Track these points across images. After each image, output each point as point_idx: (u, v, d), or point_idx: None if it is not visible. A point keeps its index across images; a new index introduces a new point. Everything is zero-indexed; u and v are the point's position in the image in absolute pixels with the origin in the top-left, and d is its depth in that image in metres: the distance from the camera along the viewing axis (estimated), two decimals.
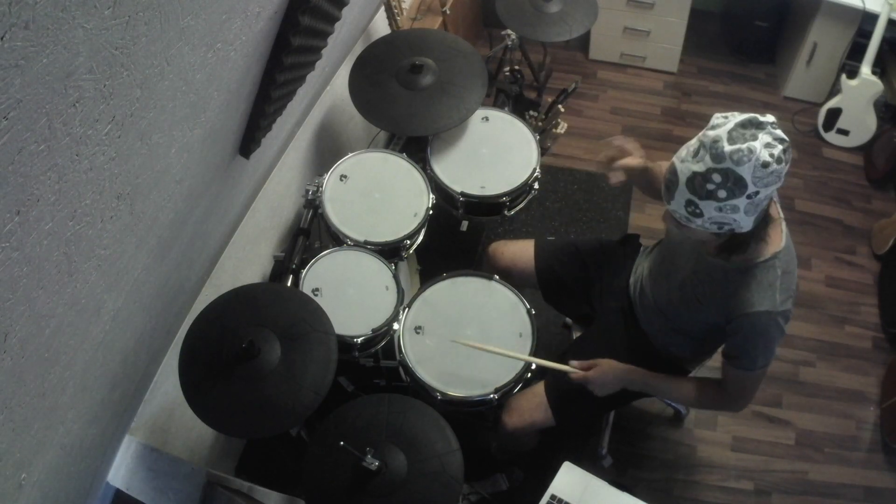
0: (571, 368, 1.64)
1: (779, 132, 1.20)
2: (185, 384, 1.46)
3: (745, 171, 1.17)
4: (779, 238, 1.39)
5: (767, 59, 3.53)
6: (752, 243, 1.36)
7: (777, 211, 1.42)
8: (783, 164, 1.19)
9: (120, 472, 1.62)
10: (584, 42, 3.52)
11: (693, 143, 1.25)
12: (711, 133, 1.21)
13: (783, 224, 1.41)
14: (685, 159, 1.24)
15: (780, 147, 1.18)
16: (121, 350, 1.29)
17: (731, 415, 2.42)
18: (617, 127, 3.28)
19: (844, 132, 3.11)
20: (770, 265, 1.37)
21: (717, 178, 1.19)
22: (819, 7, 2.90)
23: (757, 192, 1.20)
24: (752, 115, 1.21)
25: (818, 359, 2.57)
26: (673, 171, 1.27)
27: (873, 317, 2.68)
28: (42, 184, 0.74)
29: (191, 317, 1.57)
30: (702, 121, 3.25)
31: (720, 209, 1.23)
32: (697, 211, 1.25)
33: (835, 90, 3.08)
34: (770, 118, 1.22)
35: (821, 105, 3.15)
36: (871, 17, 2.79)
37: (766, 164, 1.17)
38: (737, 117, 1.22)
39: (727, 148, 1.17)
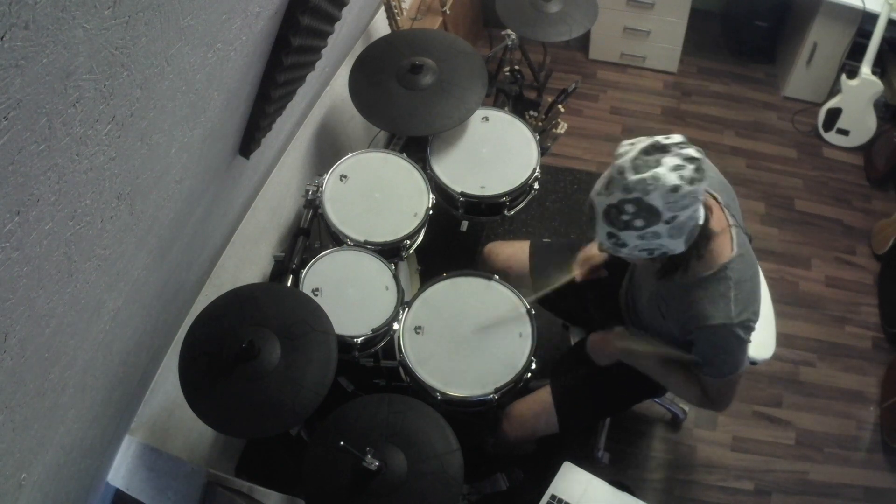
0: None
1: (688, 151, 1.17)
2: (185, 384, 1.46)
3: (655, 199, 1.15)
4: (727, 248, 1.34)
5: (767, 59, 3.53)
6: (691, 261, 1.32)
7: (724, 221, 1.37)
8: (697, 183, 1.16)
9: (120, 472, 1.62)
10: (584, 42, 3.52)
11: (605, 175, 1.24)
12: (617, 163, 1.20)
13: (733, 232, 1.36)
14: (600, 192, 1.24)
15: (691, 167, 1.15)
16: (121, 350, 1.29)
17: (730, 415, 2.42)
18: (617, 127, 3.28)
19: (844, 132, 3.11)
20: (720, 276, 1.33)
21: (630, 208, 1.18)
22: (819, 7, 2.90)
23: (675, 217, 1.18)
24: (655, 139, 1.20)
25: (818, 359, 2.58)
26: (590, 206, 1.26)
27: (873, 317, 2.68)
28: (42, 184, 0.74)
29: (191, 317, 1.57)
30: (702, 121, 3.30)
31: (642, 237, 1.21)
32: (620, 242, 1.24)
33: (835, 90, 3.08)
34: (677, 138, 1.19)
35: (821, 105, 3.15)
36: (871, 17, 2.79)
37: (675, 189, 1.14)
38: (640, 143, 1.20)
39: (632, 178, 1.16)
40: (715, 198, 1.40)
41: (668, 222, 1.18)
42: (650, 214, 1.17)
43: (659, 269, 1.38)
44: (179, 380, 1.46)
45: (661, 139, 1.19)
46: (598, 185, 1.25)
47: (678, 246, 1.24)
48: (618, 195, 1.19)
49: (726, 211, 1.39)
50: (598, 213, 1.24)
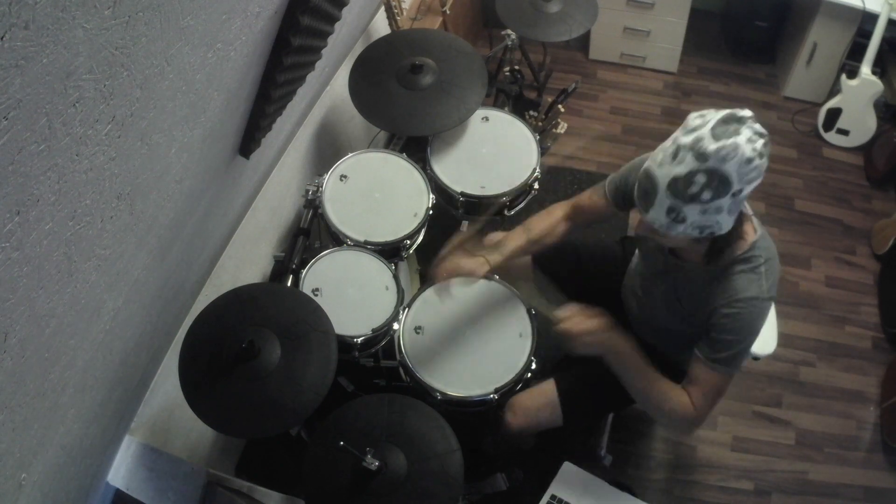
0: (565, 314, 1.54)
1: (758, 126, 1.19)
2: (185, 384, 1.46)
3: (731, 168, 1.15)
4: (752, 230, 1.37)
5: (767, 59, 3.53)
6: (732, 242, 1.34)
7: (746, 206, 1.39)
8: (764, 158, 1.18)
9: (120, 472, 1.62)
10: (584, 42, 3.52)
11: (669, 147, 1.21)
12: (692, 134, 1.18)
13: (753, 219, 1.39)
14: (662, 163, 1.20)
15: (762, 141, 1.17)
16: (121, 350, 1.29)
17: (730, 415, 2.42)
18: (617, 127, 3.28)
19: (844, 132, 3.11)
20: (751, 255, 1.35)
21: (701, 178, 1.16)
22: (819, 7, 2.90)
23: (741, 190, 1.18)
24: (730, 110, 1.19)
25: (818, 359, 2.58)
26: (649, 177, 1.22)
27: (873, 317, 2.68)
28: (42, 184, 0.74)
29: (191, 317, 1.57)
30: None
31: (704, 212, 1.20)
32: (680, 217, 1.21)
33: (835, 90, 3.08)
34: (748, 112, 1.20)
35: (821, 105, 3.15)
36: (871, 17, 2.79)
37: (749, 160, 1.15)
38: (716, 114, 1.20)
39: (712, 146, 1.15)
40: None
41: (734, 195, 1.18)
42: (721, 185, 1.16)
43: (706, 252, 1.37)
44: (179, 380, 1.46)
45: (736, 111, 1.19)
46: (659, 156, 1.22)
47: (728, 224, 1.25)
48: (689, 165, 1.16)
49: None
50: (659, 186, 1.20)
